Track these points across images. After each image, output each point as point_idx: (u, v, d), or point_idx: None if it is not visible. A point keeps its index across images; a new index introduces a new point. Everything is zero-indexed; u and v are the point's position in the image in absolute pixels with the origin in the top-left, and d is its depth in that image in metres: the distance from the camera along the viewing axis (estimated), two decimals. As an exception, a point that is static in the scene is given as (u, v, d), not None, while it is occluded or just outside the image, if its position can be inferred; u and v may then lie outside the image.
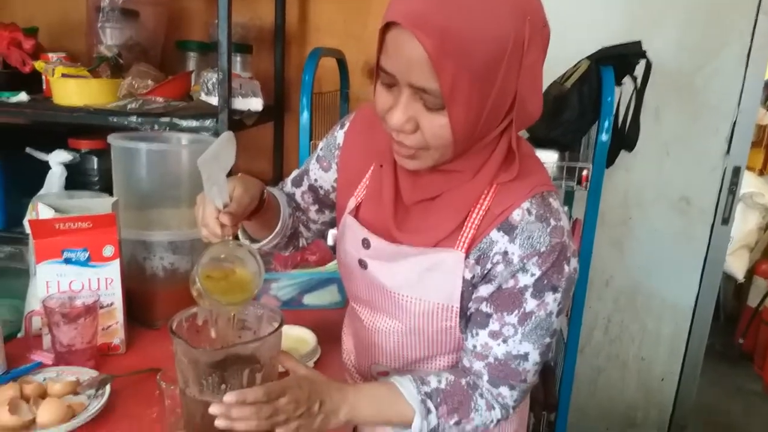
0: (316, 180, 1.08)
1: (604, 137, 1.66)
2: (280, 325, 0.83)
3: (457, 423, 0.89)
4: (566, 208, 1.96)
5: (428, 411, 0.86)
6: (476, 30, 0.70)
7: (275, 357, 0.84)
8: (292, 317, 1.20)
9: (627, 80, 1.82)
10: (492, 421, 0.92)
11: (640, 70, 1.79)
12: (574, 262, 0.86)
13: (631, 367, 2.47)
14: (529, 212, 0.83)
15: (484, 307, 0.88)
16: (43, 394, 1.01)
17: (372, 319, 1.00)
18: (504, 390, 0.90)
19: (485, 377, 0.90)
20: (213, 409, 0.75)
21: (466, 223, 0.86)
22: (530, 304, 0.85)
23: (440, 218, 0.87)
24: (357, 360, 1.09)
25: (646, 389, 2.48)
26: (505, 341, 0.87)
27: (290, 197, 1.12)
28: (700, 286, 2.34)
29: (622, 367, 2.47)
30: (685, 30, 2.10)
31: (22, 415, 0.94)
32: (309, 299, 1.51)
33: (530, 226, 0.83)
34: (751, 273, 3.50)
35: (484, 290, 0.87)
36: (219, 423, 0.75)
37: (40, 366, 1.11)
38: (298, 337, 1.29)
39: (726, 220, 2.26)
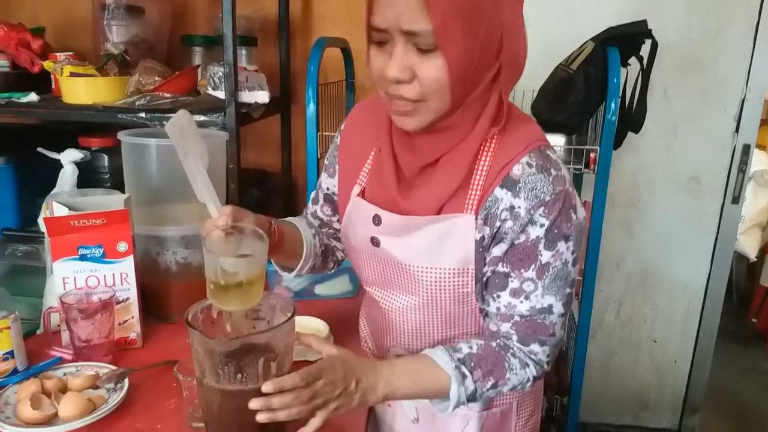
0: (328, 189, 1.11)
1: (611, 119, 1.65)
2: (293, 315, 0.85)
3: (494, 386, 0.90)
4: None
5: (464, 376, 0.87)
6: None
7: (289, 346, 0.86)
8: (304, 307, 1.22)
9: (633, 60, 1.81)
10: (528, 380, 0.92)
11: (646, 50, 1.78)
12: (581, 211, 0.88)
13: (644, 349, 2.47)
14: (529, 165, 0.85)
15: (501, 267, 0.89)
16: (63, 389, 1.03)
17: (388, 299, 1.01)
18: (535, 347, 0.91)
19: (514, 337, 0.91)
20: (253, 404, 0.77)
21: (471, 185, 0.87)
22: (545, 256, 0.86)
23: (442, 179, 0.88)
24: (375, 345, 1.11)
25: (658, 371, 2.49)
26: (527, 297, 0.88)
27: (314, 216, 1.16)
28: (711, 266, 2.33)
29: (635, 349, 2.48)
30: (691, 7, 2.07)
31: (45, 410, 0.96)
32: (321, 289, 1.52)
33: (532, 178, 0.84)
34: (763, 252, 3.48)
35: (498, 250, 0.88)
36: (261, 417, 0.77)
37: (60, 361, 1.14)
38: (311, 327, 1.30)
39: (736, 199, 2.25)
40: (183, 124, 0.91)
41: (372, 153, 0.98)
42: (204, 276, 0.85)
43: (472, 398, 0.89)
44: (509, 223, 0.86)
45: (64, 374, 1.08)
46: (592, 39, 1.78)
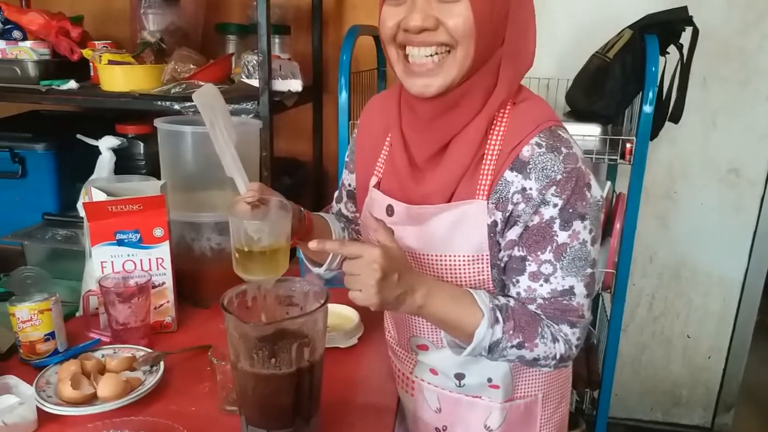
0: (350, 185, 1.12)
1: (648, 109, 1.62)
2: (326, 302, 0.86)
3: (520, 345, 0.86)
4: (609, 183, 1.93)
5: (496, 320, 0.85)
6: None
7: (322, 332, 0.87)
8: (335, 295, 1.21)
9: (672, 48, 1.76)
10: (555, 357, 0.89)
11: (686, 38, 1.73)
12: (596, 189, 0.86)
13: (677, 344, 2.43)
14: (539, 145, 0.84)
15: (517, 251, 0.88)
16: (102, 370, 1.06)
17: None
18: (565, 327, 0.89)
19: (543, 316, 0.89)
20: (313, 245, 0.81)
21: (482, 169, 0.86)
22: (561, 236, 0.85)
23: (453, 162, 0.88)
24: (396, 335, 1.11)
25: (691, 367, 2.44)
26: (546, 280, 0.87)
27: (339, 214, 1.18)
28: (749, 261, 2.28)
29: (667, 344, 2.44)
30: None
31: (84, 390, 0.99)
32: (351, 277, 1.53)
33: (542, 158, 0.83)
34: (804, 247, 3.38)
35: (512, 233, 0.87)
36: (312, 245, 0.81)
37: (99, 343, 1.17)
38: (342, 314, 1.31)
39: (777, 192, 2.18)
40: (211, 98, 0.93)
41: (387, 143, 0.99)
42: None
43: (493, 348, 0.86)
44: (522, 206, 0.85)
45: (102, 356, 1.11)
46: (630, 26, 1.74)
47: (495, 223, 0.87)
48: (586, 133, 1.73)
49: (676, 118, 1.81)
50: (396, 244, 0.84)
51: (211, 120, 0.93)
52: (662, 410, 2.52)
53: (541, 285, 0.87)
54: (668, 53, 1.79)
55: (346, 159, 1.14)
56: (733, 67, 2.08)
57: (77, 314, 1.30)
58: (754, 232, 2.24)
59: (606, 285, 1.79)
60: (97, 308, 1.23)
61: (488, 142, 0.87)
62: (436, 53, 0.83)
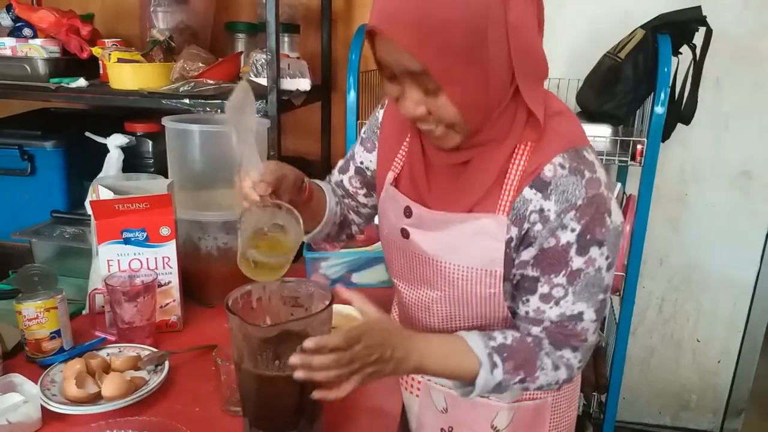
0: (362, 162, 1.09)
1: (660, 110, 1.60)
2: (331, 303, 0.85)
3: (522, 380, 0.88)
4: (619, 185, 1.91)
5: (494, 365, 0.86)
6: (449, 11, 0.71)
7: (326, 333, 0.86)
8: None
9: (684, 49, 1.74)
10: (558, 382, 0.90)
11: (699, 38, 1.71)
12: (617, 215, 0.84)
13: (686, 348, 2.40)
14: (562, 167, 0.82)
15: (530, 271, 0.87)
16: (107, 369, 1.06)
17: (415, 295, 1.00)
18: (567, 352, 0.89)
19: (546, 341, 0.89)
20: (294, 360, 0.75)
21: (504, 186, 0.85)
22: (576, 261, 0.83)
23: (472, 181, 0.87)
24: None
25: (701, 371, 2.42)
26: (557, 303, 0.86)
27: (338, 185, 1.14)
28: (761, 264, 2.24)
29: (676, 347, 2.41)
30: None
31: (88, 389, 0.99)
32: (357, 278, 1.53)
33: (564, 180, 0.81)
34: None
35: (527, 254, 0.86)
36: (299, 375, 0.75)
37: (104, 342, 1.17)
38: (347, 315, 1.30)
39: (790, 195, 2.16)
40: (242, 99, 0.88)
41: (407, 140, 0.97)
42: None
43: (497, 389, 0.88)
44: (538, 227, 0.83)
45: (108, 355, 1.11)
46: (642, 26, 1.72)
47: (511, 239, 0.86)
48: (597, 134, 1.72)
49: (687, 120, 1.79)
50: (378, 313, 0.85)
51: (237, 124, 0.88)
52: (671, 414, 2.49)
53: (551, 307, 0.87)
54: (681, 53, 1.76)
55: (363, 135, 1.09)
56: (746, 68, 2.05)
57: (83, 312, 1.30)
58: (766, 235, 2.21)
59: (615, 287, 1.77)
60: (103, 306, 1.23)
61: (513, 158, 0.85)
62: (437, 127, 0.82)
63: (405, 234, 0.95)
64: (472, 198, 0.86)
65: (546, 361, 0.89)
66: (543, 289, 0.86)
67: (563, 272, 0.84)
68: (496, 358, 0.86)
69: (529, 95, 0.81)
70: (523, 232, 0.85)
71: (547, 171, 0.82)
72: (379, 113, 1.06)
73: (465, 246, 0.88)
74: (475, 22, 0.72)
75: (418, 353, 0.85)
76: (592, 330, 0.89)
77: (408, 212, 0.93)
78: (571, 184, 0.81)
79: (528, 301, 0.88)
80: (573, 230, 0.81)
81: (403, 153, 0.98)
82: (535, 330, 0.89)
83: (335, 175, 1.16)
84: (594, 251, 0.83)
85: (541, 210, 0.82)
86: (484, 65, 0.75)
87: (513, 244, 0.86)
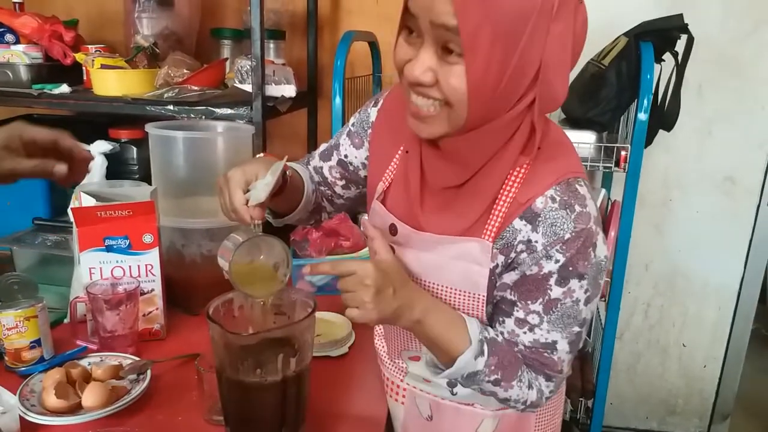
0: (346, 156, 1.07)
1: (643, 116, 1.61)
2: (313, 311, 0.84)
3: (497, 381, 0.87)
4: (604, 191, 1.92)
5: (481, 352, 0.85)
6: None
7: (309, 341, 0.86)
8: (327, 303, 1.21)
9: (668, 56, 1.76)
10: (525, 402, 0.90)
11: (682, 45, 1.73)
12: (602, 250, 0.84)
13: (672, 353, 2.42)
14: (553, 199, 0.82)
15: (509, 295, 0.87)
16: (87, 378, 1.04)
17: None
18: (541, 379, 0.90)
19: (524, 360, 0.90)
20: (306, 269, 0.83)
21: (492, 212, 0.85)
22: (555, 291, 0.83)
23: (466, 206, 0.86)
24: (387, 346, 1.10)
25: (687, 376, 2.43)
26: (531, 330, 0.86)
27: (317, 170, 1.11)
28: (744, 269, 2.27)
29: (663, 353, 2.43)
30: (728, 2, 2.01)
31: (69, 399, 0.97)
32: (344, 284, 1.52)
33: (553, 214, 0.81)
34: (800, 255, 3.37)
35: (508, 278, 0.86)
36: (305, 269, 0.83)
37: (85, 351, 1.15)
38: (333, 322, 1.30)
39: (773, 201, 2.18)
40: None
41: (401, 150, 0.96)
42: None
43: (470, 377, 0.87)
44: (524, 255, 0.83)
45: (89, 364, 1.09)
46: (625, 34, 1.74)
47: (497, 266, 0.86)
48: (581, 141, 1.73)
49: (669, 126, 1.81)
50: (390, 255, 0.83)
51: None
52: (657, 419, 2.51)
53: (525, 333, 0.87)
54: (664, 60, 1.78)
55: (351, 127, 1.06)
56: (728, 75, 2.08)
57: (65, 321, 1.29)
58: (749, 240, 2.24)
59: (601, 293, 1.78)
60: (84, 315, 1.22)
61: (504, 186, 0.84)
62: (433, 104, 0.79)
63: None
64: (465, 223, 0.86)
65: (524, 376, 0.89)
66: (518, 313, 0.86)
67: (540, 300, 0.84)
68: (485, 348, 0.86)
69: (538, 114, 0.80)
70: (509, 260, 0.85)
71: (539, 203, 0.82)
72: (372, 111, 1.03)
73: (450, 267, 0.88)
74: (524, 5, 0.70)
75: (424, 307, 0.84)
76: (567, 362, 0.89)
77: (393, 230, 0.93)
78: (560, 218, 0.81)
79: (503, 322, 0.89)
80: (557, 261, 0.82)
81: (395, 164, 0.96)
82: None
83: (315, 160, 1.12)
84: (574, 283, 0.83)
85: (529, 241, 0.82)
86: (512, 53, 0.72)
87: (498, 271, 0.87)
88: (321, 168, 1.11)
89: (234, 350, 0.81)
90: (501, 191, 0.84)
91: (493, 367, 0.86)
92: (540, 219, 0.81)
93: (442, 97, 0.76)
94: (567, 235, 0.80)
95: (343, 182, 1.10)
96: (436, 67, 0.75)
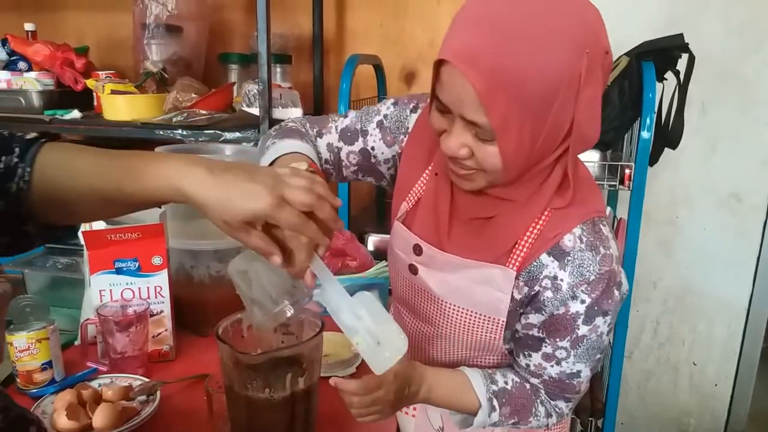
0: (373, 148, 1.02)
1: (646, 135, 1.63)
2: (321, 330, 0.85)
3: (515, 424, 0.95)
4: (609, 209, 1.92)
5: (492, 409, 0.92)
6: (529, 67, 0.69)
7: (317, 361, 0.86)
8: (335, 323, 1.21)
9: (670, 75, 1.77)
10: (547, 425, 0.98)
11: (683, 64, 1.75)
12: (624, 285, 0.87)
13: (682, 371, 2.40)
14: (581, 239, 0.83)
15: (536, 332, 0.89)
16: (98, 400, 1.05)
17: (415, 325, 1.01)
18: (560, 403, 0.94)
19: (542, 390, 0.94)
20: (334, 380, 0.85)
21: (518, 243, 0.86)
22: (582, 329, 0.86)
23: (493, 239, 0.87)
24: (399, 361, 1.11)
25: (698, 394, 2.41)
26: (558, 363, 0.89)
27: (330, 148, 1.03)
28: (753, 287, 2.26)
29: (673, 371, 2.41)
30: (730, 15, 2.03)
31: (80, 420, 0.98)
32: (351, 305, 1.52)
33: (580, 255, 0.83)
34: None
35: (535, 318, 0.88)
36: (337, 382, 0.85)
37: (96, 372, 1.16)
38: (340, 342, 1.30)
39: (780, 217, 2.18)
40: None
41: (427, 171, 0.96)
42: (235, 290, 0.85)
43: (491, 425, 0.95)
44: (549, 294, 0.85)
45: (99, 385, 1.10)
46: (627, 53, 1.76)
47: (521, 298, 0.88)
48: (586, 159, 1.73)
49: (673, 144, 1.82)
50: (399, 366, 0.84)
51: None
52: (669, 439, 2.48)
53: (552, 366, 0.90)
54: (666, 79, 1.80)
55: (386, 122, 1.00)
56: (731, 92, 2.09)
57: (76, 343, 1.30)
58: (757, 257, 2.23)
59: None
60: (95, 337, 1.23)
61: (536, 221, 0.86)
62: (470, 169, 0.81)
63: (413, 270, 0.96)
64: (493, 254, 0.87)
65: (540, 409, 0.94)
66: (546, 349, 0.89)
67: (568, 338, 0.87)
68: (495, 403, 0.91)
69: (573, 160, 0.82)
70: (532, 293, 0.87)
71: (567, 241, 0.83)
72: (411, 117, 1.00)
73: (471, 291, 0.90)
74: (549, 84, 0.71)
75: (427, 386, 0.91)
76: (586, 382, 0.93)
77: (418, 250, 0.94)
78: (587, 260, 0.83)
79: (530, 356, 0.92)
80: (583, 302, 0.84)
81: (421, 184, 0.97)
82: (534, 381, 0.94)
83: (333, 137, 1.02)
84: (599, 320, 0.86)
85: (555, 277, 0.84)
86: (542, 125, 0.74)
87: (519, 300, 0.88)
88: (339, 149, 1.03)
89: (243, 370, 0.82)
90: (529, 226, 0.86)
91: (508, 415, 0.93)
92: (569, 257, 0.83)
93: (479, 168, 0.79)
94: (592, 277, 0.83)
95: (356, 168, 1.04)
96: (471, 144, 0.77)
